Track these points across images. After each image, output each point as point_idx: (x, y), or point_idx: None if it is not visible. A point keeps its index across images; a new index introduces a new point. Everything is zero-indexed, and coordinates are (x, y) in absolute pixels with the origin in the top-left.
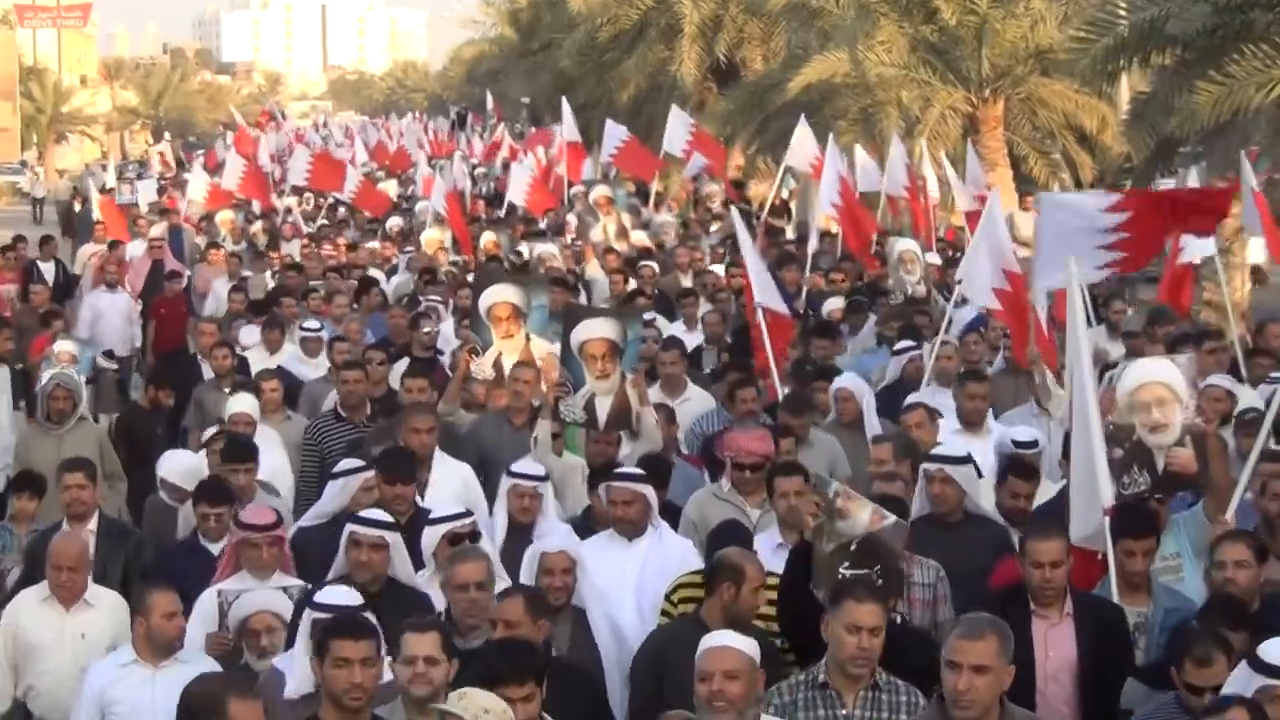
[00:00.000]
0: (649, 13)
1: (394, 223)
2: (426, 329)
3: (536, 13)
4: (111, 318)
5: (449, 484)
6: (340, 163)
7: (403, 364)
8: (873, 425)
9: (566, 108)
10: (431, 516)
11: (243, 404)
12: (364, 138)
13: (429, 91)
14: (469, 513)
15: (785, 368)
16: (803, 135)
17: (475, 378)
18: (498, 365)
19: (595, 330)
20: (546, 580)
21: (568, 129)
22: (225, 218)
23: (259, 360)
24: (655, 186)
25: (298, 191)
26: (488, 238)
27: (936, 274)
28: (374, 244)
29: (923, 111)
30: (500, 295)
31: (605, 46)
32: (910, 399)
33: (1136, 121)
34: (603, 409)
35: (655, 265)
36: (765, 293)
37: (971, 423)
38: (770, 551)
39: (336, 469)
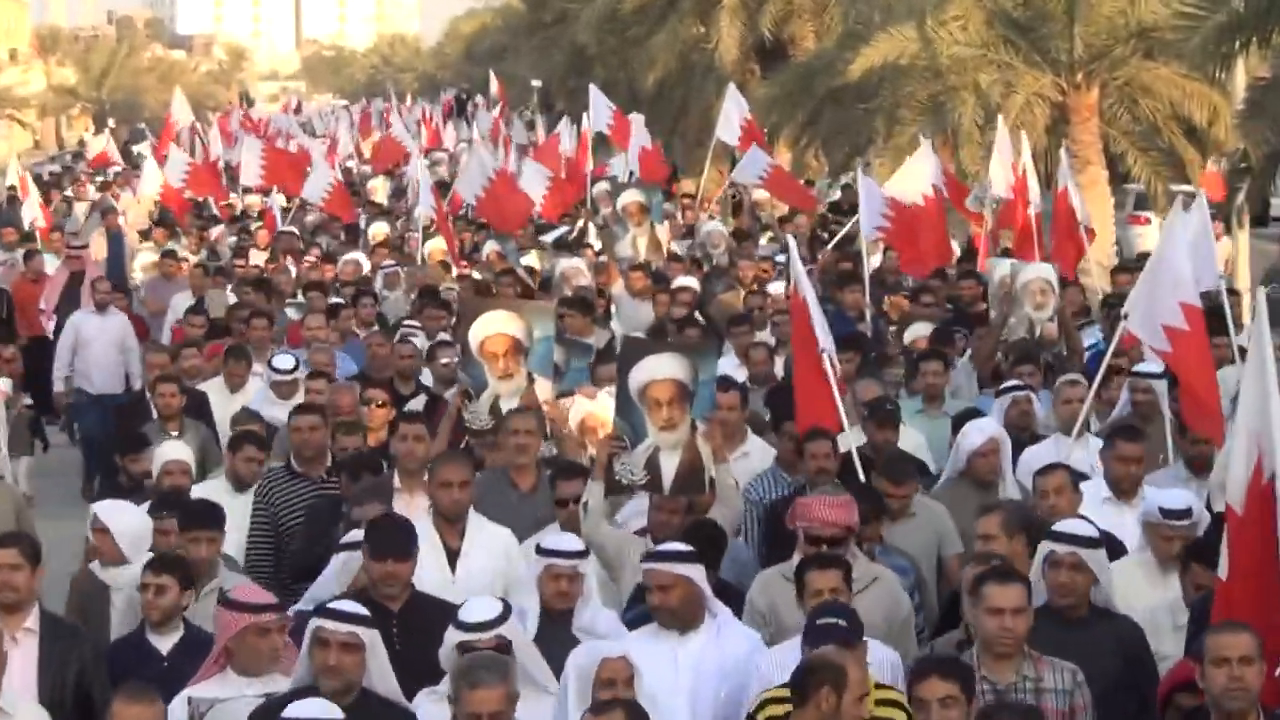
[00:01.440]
0: None
1: (378, 229)
2: (445, 360)
3: None
4: (99, 347)
5: (487, 555)
6: (300, 157)
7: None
8: (1009, 486)
9: (596, 94)
10: (459, 619)
11: (175, 451)
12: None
13: (421, 71)
14: (501, 618)
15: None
16: (923, 159)
17: (469, 426)
18: (495, 411)
19: (660, 370)
20: (607, 694)
21: (598, 119)
22: (147, 260)
23: (219, 401)
24: (689, 187)
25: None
26: (490, 247)
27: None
28: (355, 255)
29: (1004, 99)
30: (495, 326)
31: (629, 20)
32: (1035, 453)
33: (1254, 112)
34: (668, 467)
35: (695, 285)
36: (827, 335)
37: (1124, 490)
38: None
39: (343, 539)
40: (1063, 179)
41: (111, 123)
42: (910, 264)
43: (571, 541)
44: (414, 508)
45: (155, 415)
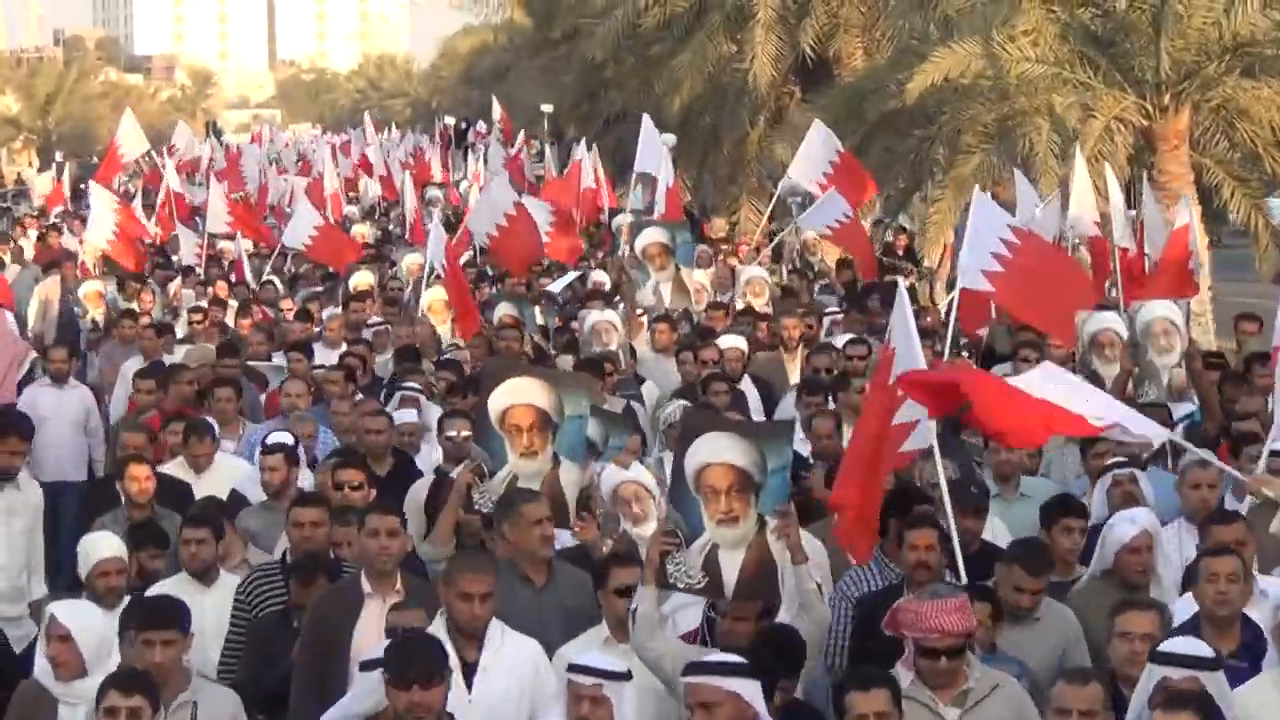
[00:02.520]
0: None
1: (361, 279)
2: (453, 432)
3: None
4: (55, 426)
5: (509, 671)
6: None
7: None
8: (1165, 588)
9: (649, 128)
10: None
11: (110, 546)
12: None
13: (412, 96)
14: None
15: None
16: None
17: (480, 510)
18: None
19: (717, 452)
20: None
21: (646, 157)
22: (91, 289)
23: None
24: (721, 227)
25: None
26: (504, 310)
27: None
28: (334, 310)
29: (1081, 123)
30: (521, 395)
31: (651, 36)
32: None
33: None
34: (730, 568)
35: (742, 343)
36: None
37: None
38: None
39: (367, 656)
40: (1184, 214)
41: (59, 157)
42: (1040, 313)
43: (606, 660)
44: (383, 617)
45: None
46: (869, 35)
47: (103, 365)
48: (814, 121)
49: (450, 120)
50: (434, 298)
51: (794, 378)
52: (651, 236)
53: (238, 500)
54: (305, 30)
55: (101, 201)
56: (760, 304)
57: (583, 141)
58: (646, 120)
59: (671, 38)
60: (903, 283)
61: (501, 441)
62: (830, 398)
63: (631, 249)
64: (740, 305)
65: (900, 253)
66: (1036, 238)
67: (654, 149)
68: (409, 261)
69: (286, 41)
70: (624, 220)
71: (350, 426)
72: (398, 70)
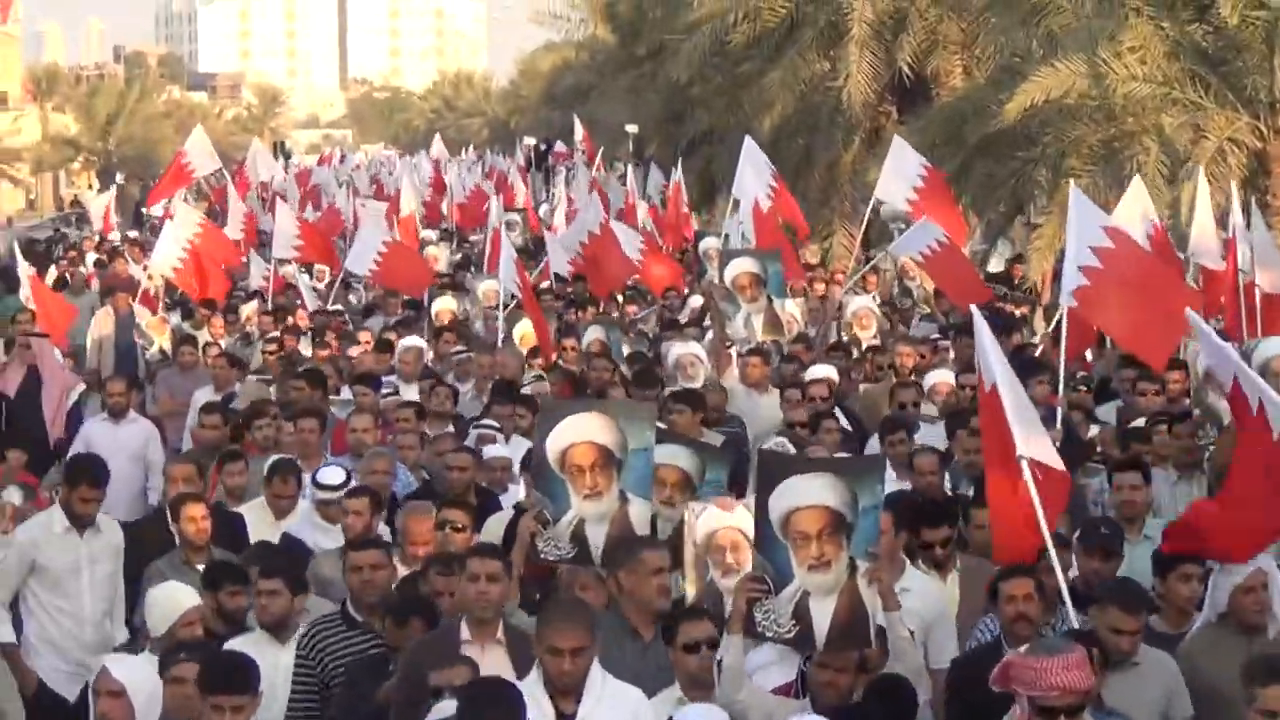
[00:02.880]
0: (802, 7)
1: (442, 306)
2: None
3: (642, 6)
4: (115, 462)
5: None
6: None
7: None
8: None
9: (752, 149)
10: None
11: (188, 595)
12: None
13: (490, 116)
14: None
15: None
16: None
17: (546, 559)
18: (579, 538)
19: (810, 492)
20: None
21: (749, 182)
22: (155, 317)
23: (259, 527)
24: (813, 254)
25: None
26: (594, 334)
27: None
28: (413, 340)
29: (1193, 144)
30: (582, 432)
31: (740, 54)
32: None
33: None
34: (821, 616)
35: (833, 374)
36: (1032, 440)
37: None
38: None
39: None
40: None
41: (120, 178)
42: (1133, 328)
43: (711, 716)
44: (487, 665)
45: (178, 544)
46: (968, 53)
47: (160, 394)
48: (893, 138)
49: (531, 141)
50: (527, 330)
51: None
52: (742, 266)
53: (291, 543)
54: (378, 47)
55: (183, 222)
56: (868, 336)
57: (679, 164)
58: (749, 142)
59: (761, 55)
60: (976, 312)
61: (563, 484)
62: (949, 434)
63: (721, 278)
64: (845, 337)
65: (1016, 281)
66: (1133, 243)
67: (755, 172)
68: (485, 288)
69: (358, 59)
70: (712, 245)
71: (419, 461)
72: (474, 89)
